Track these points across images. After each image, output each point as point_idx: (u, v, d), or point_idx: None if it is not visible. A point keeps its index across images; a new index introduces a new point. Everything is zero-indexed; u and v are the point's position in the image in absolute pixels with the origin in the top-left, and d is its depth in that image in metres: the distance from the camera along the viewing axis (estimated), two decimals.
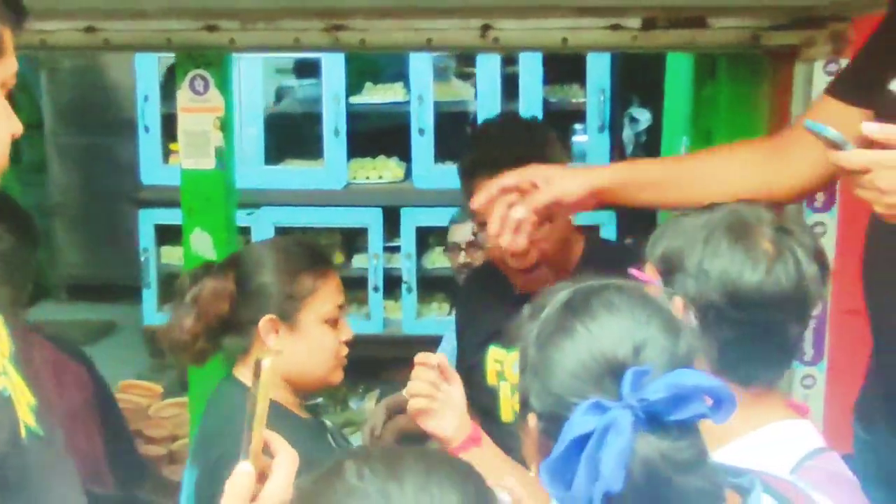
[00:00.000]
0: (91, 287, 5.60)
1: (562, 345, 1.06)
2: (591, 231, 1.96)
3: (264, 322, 1.75)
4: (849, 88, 1.65)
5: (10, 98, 1.30)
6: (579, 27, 2.11)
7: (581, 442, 0.98)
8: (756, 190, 1.64)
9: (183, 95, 2.41)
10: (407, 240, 4.21)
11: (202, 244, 2.45)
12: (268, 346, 1.74)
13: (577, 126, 4.31)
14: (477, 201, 1.70)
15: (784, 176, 1.68)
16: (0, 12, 1.24)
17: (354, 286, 4.39)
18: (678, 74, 3.10)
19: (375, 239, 4.22)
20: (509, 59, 4.14)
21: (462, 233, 3.41)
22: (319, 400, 4.22)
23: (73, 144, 5.55)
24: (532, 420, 1.09)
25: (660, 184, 1.70)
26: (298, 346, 1.76)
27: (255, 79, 4.12)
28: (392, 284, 4.30)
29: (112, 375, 3.74)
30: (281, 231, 4.27)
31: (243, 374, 1.78)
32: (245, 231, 4.26)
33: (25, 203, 5.74)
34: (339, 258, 4.37)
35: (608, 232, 4.18)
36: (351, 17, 2.12)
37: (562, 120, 4.26)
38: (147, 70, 4.21)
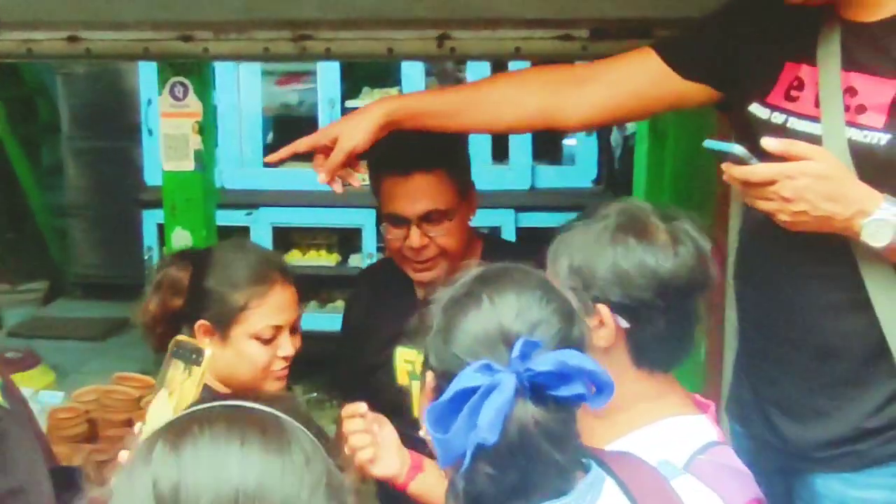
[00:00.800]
0: (105, 285, 5.75)
1: (467, 311, 1.17)
2: (489, 232, 2.03)
3: (198, 326, 1.82)
4: (684, 59, 1.76)
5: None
6: (531, 37, 2.21)
7: (466, 395, 1.08)
8: (539, 117, 1.83)
9: (164, 101, 2.55)
10: None
11: (183, 242, 2.58)
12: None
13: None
14: (272, 158, 1.90)
15: (568, 107, 1.80)
16: None
17: (351, 285, 4.51)
18: None
19: (370, 239, 4.34)
20: (499, 63, 4.23)
21: None
22: (314, 394, 4.36)
23: (88, 147, 5.70)
24: (429, 377, 1.20)
25: (445, 113, 1.82)
26: (226, 356, 1.80)
27: (253, 83, 4.26)
28: None
29: (120, 369, 3.89)
30: (279, 231, 4.41)
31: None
32: (244, 231, 4.41)
33: (44, 204, 5.96)
34: (335, 257, 4.50)
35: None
36: (317, 27, 2.24)
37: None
38: (150, 75, 4.34)
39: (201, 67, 2.53)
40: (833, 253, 1.58)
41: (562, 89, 1.81)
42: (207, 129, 2.58)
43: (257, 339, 1.79)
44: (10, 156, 5.81)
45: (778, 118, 1.63)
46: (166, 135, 2.57)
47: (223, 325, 1.80)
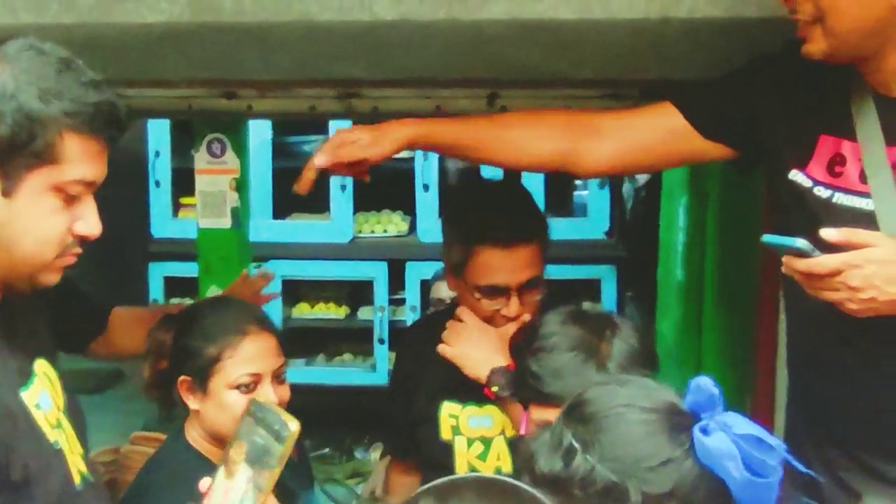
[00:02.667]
0: None
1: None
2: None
3: (179, 382, 1.85)
4: (705, 118, 1.78)
5: None
6: (581, 96, 2.20)
7: None
8: (555, 161, 1.87)
9: (200, 158, 2.52)
10: (412, 293, 4.29)
11: None
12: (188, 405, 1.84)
13: (579, 182, 4.40)
14: (301, 185, 1.94)
15: (584, 156, 1.84)
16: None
17: (360, 338, 4.47)
18: None
19: (381, 292, 4.30)
20: None
21: (446, 289, 3.50)
22: (326, 450, 4.29)
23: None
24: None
25: (467, 146, 1.85)
26: (209, 409, 1.83)
27: (263, 134, 4.22)
28: (398, 337, 4.36)
29: (120, 424, 3.80)
30: (289, 284, 4.35)
31: (189, 431, 1.88)
32: None
33: None
34: (344, 311, 4.45)
35: (608, 286, 4.26)
36: (362, 85, 2.22)
37: (565, 176, 4.35)
38: (158, 126, 4.31)
39: (239, 124, 2.51)
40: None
41: (579, 138, 1.83)
42: (244, 185, 2.55)
43: (236, 388, 1.82)
44: None
45: (822, 192, 1.65)
46: (203, 192, 2.54)
47: (202, 378, 1.83)
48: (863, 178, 1.61)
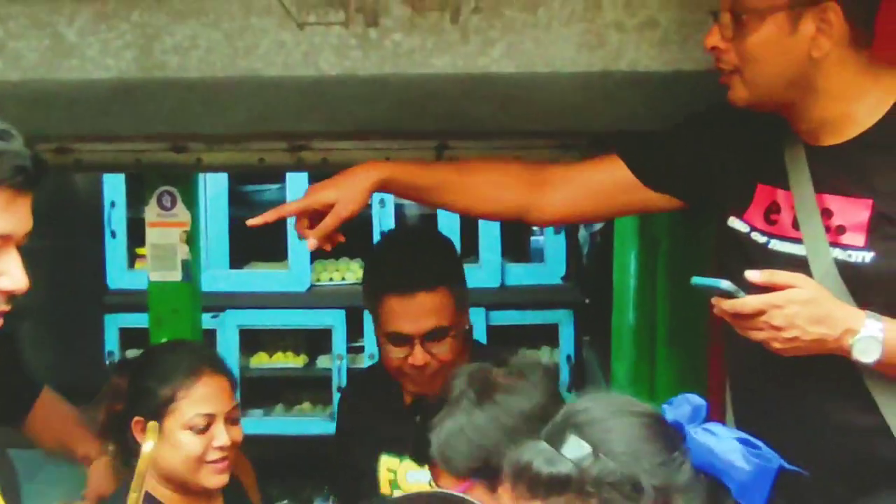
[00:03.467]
0: (61, 391, 5.57)
1: None
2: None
3: (133, 423, 1.88)
4: (651, 172, 1.84)
5: None
6: (531, 146, 2.22)
7: None
8: (513, 211, 1.93)
9: (151, 210, 2.51)
10: (370, 340, 4.25)
11: None
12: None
13: (535, 228, 4.43)
14: (256, 220, 1.89)
15: (541, 206, 1.90)
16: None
17: (319, 387, 4.43)
18: None
19: (339, 340, 4.27)
20: None
21: None
22: (285, 501, 4.24)
23: (45, 247, 5.54)
24: None
25: (428, 190, 1.89)
26: (163, 450, 1.84)
27: (220, 184, 4.21)
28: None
29: (77, 479, 3.73)
30: (247, 334, 4.32)
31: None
32: (211, 334, 4.32)
33: None
34: (302, 359, 4.42)
35: (566, 330, 4.28)
36: (312, 137, 2.23)
37: (520, 223, 4.38)
38: (113, 176, 4.29)
39: (189, 177, 2.50)
40: (841, 374, 1.62)
41: (536, 189, 1.88)
42: (195, 238, 2.54)
43: (190, 429, 1.85)
44: None
45: (759, 238, 1.71)
46: (153, 245, 2.53)
47: (156, 419, 1.84)
48: (795, 224, 1.67)
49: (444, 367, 1.99)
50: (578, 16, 1.86)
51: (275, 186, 4.32)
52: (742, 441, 1.16)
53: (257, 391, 4.33)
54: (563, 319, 4.28)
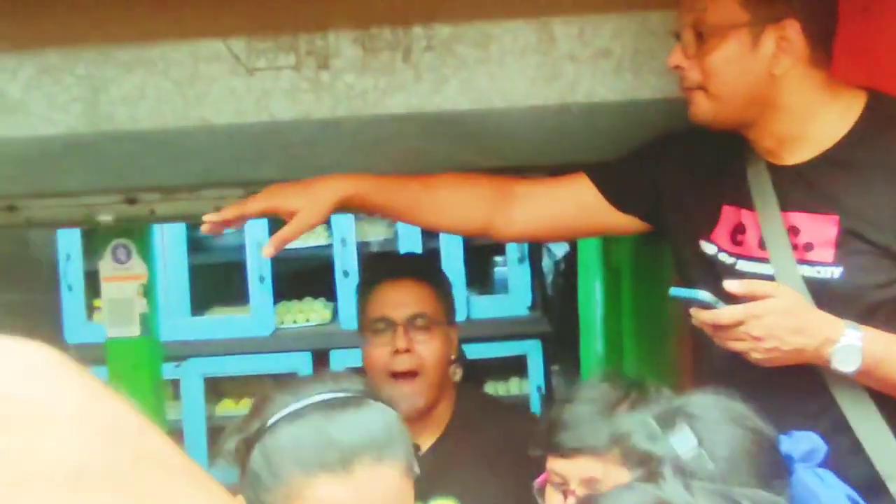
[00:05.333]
0: None
1: None
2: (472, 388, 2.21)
3: None
4: (618, 192, 1.85)
5: None
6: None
7: None
8: (476, 228, 1.94)
9: (105, 265, 2.45)
10: None
11: None
12: None
13: (498, 258, 4.41)
14: (213, 217, 1.83)
15: (504, 223, 1.90)
16: None
17: None
18: None
19: None
20: None
21: None
22: None
23: (8, 302, 5.45)
24: None
25: (392, 208, 1.89)
26: None
27: (178, 230, 4.15)
28: None
29: None
30: (211, 382, 4.24)
31: None
32: (174, 384, 4.23)
33: None
34: None
35: (534, 361, 4.25)
36: (269, 184, 2.19)
37: (482, 253, 4.36)
38: (68, 230, 4.21)
39: (144, 227, 2.45)
40: (807, 391, 1.63)
41: (501, 205, 1.88)
42: (152, 291, 2.48)
43: None
44: None
45: (726, 258, 1.71)
46: (110, 300, 2.46)
47: None
48: (762, 244, 1.67)
49: (425, 372, 2.00)
50: (532, 49, 1.85)
51: (233, 231, 4.26)
52: (851, 499, 1.16)
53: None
54: (531, 350, 4.25)
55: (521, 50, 1.85)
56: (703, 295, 1.57)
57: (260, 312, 4.22)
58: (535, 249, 4.30)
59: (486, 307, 4.30)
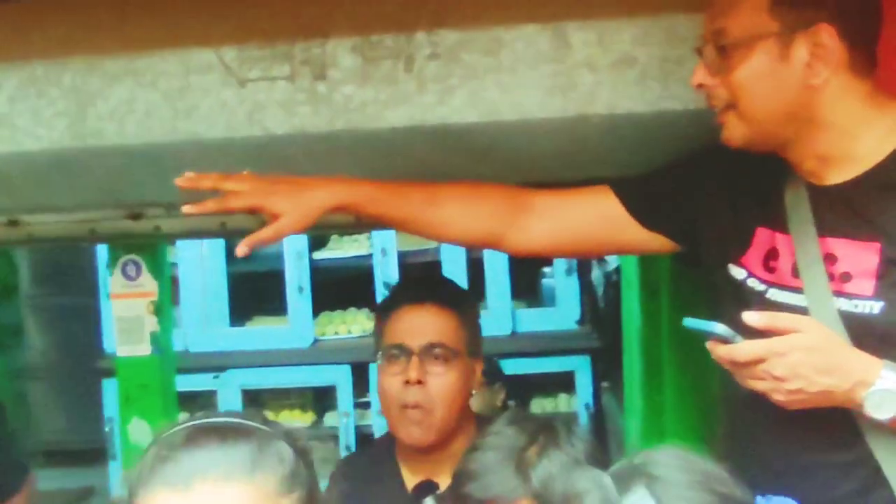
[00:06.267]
0: (69, 452, 5.48)
1: None
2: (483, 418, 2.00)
3: None
4: (645, 209, 1.68)
5: None
6: None
7: None
8: (484, 241, 1.79)
9: (115, 281, 2.37)
10: (377, 396, 4.09)
11: (141, 433, 2.36)
12: None
13: (546, 269, 4.26)
14: (191, 209, 1.64)
15: (514, 237, 1.72)
16: None
17: (327, 446, 4.26)
18: None
19: (345, 397, 4.11)
20: None
21: None
22: None
23: (49, 306, 5.49)
24: None
25: (392, 218, 1.72)
26: None
27: (216, 239, 4.08)
28: (365, 443, 4.16)
29: None
30: (250, 393, 4.16)
31: None
32: (212, 395, 4.17)
33: (3, 366, 5.71)
34: (310, 416, 4.26)
35: (583, 377, 4.08)
36: None
37: (529, 264, 4.21)
38: None
39: (154, 243, 2.36)
40: (840, 437, 1.45)
41: (509, 220, 1.72)
42: (164, 309, 2.39)
43: None
44: None
45: (756, 285, 1.54)
46: (119, 318, 2.38)
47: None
48: (795, 272, 1.50)
49: (437, 408, 1.87)
50: (545, 56, 1.69)
51: None
52: None
53: None
54: (580, 366, 4.08)
55: (533, 57, 1.69)
56: (720, 328, 1.40)
57: (299, 323, 4.12)
58: (584, 261, 4.13)
59: (532, 320, 4.15)
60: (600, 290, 4.24)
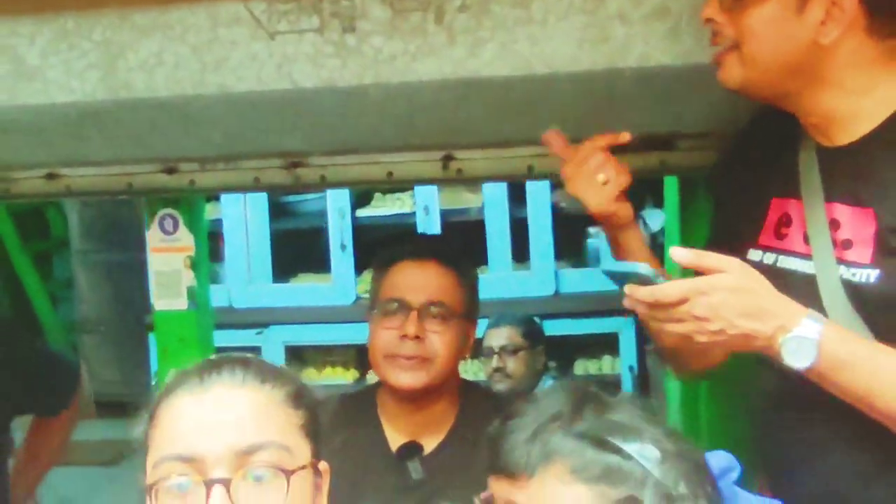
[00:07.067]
0: (120, 404, 5.59)
1: None
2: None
3: None
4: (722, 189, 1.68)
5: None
6: (544, 153, 2.02)
7: None
8: None
9: (153, 235, 2.38)
10: None
11: None
12: None
13: (592, 229, 4.21)
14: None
15: None
16: None
17: None
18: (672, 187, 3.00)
19: None
20: (515, 183, 4.06)
21: (497, 337, 3.38)
22: None
23: (100, 261, 5.57)
24: None
25: None
26: None
27: (259, 196, 4.10)
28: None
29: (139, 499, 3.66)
30: (293, 350, 4.20)
31: None
32: (255, 351, 4.20)
33: (56, 319, 5.82)
34: (353, 374, 4.29)
35: (627, 339, 4.05)
36: (310, 155, 2.07)
37: (574, 223, 4.17)
38: None
39: (191, 198, 2.37)
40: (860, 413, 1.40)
41: None
42: (201, 263, 2.40)
43: None
44: (20, 272, 5.68)
45: (769, 258, 1.51)
46: (157, 272, 2.40)
47: None
48: (806, 239, 1.46)
49: (432, 363, 1.83)
50: (577, 8, 1.65)
51: (315, 196, 4.19)
52: None
53: None
54: (624, 327, 4.05)
55: (565, 9, 1.65)
56: (643, 268, 1.36)
57: (341, 281, 4.14)
58: None
59: (576, 281, 4.12)
60: None
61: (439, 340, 1.83)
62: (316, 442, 1.22)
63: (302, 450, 1.18)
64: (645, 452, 1.12)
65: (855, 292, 1.38)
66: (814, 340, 1.32)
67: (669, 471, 1.11)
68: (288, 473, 1.13)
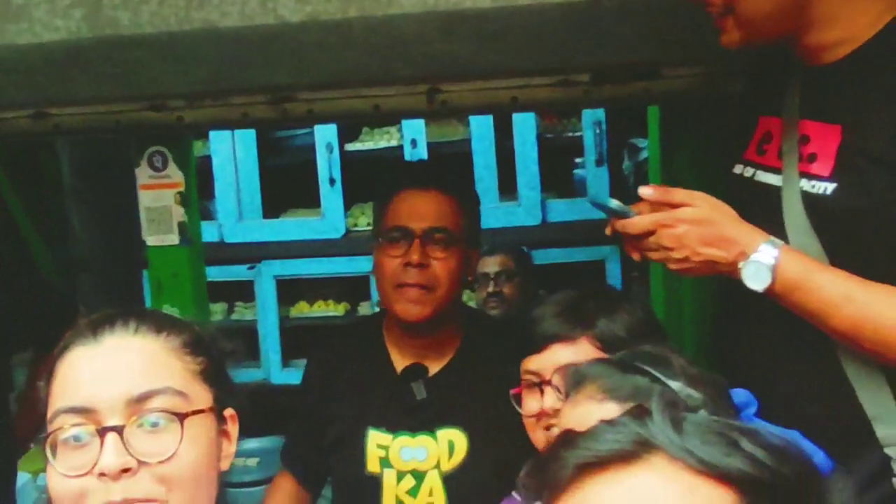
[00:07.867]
0: None
1: None
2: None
3: None
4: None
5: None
6: (528, 85, 2.04)
7: None
8: None
9: (142, 172, 2.40)
10: None
11: None
12: None
13: (578, 160, 4.23)
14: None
15: None
16: None
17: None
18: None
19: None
20: (501, 115, 4.05)
21: (492, 264, 3.44)
22: None
23: (91, 200, 5.55)
24: None
25: None
26: None
27: (247, 132, 4.10)
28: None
29: None
30: (285, 283, 4.23)
31: None
32: (248, 286, 4.25)
33: (50, 259, 5.83)
34: (344, 307, 4.33)
35: (613, 267, 4.09)
36: (295, 88, 2.08)
37: (561, 154, 4.19)
38: None
39: (180, 135, 2.38)
40: (816, 334, 1.48)
41: None
42: (191, 199, 2.42)
43: None
44: (14, 212, 5.67)
45: (748, 172, 1.59)
46: (147, 208, 2.42)
47: None
48: (781, 153, 1.53)
49: (436, 291, 1.88)
50: None
51: (304, 131, 4.19)
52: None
53: (300, 341, 4.26)
54: (610, 256, 4.09)
55: None
56: (614, 203, 1.52)
57: (331, 215, 4.16)
58: (614, 151, 4.10)
59: (562, 211, 4.14)
60: (631, 181, 4.21)
61: (442, 267, 1.88)
62: (220, 388, 1.20)
63: (200, 395, 1.16)
64: (671, 375, 1.21)
65: (812, 204, 1.45)
66: (769, 265, 1.43)
67: (695, 392, 1.19)
68: (181, 417, 1.11)
